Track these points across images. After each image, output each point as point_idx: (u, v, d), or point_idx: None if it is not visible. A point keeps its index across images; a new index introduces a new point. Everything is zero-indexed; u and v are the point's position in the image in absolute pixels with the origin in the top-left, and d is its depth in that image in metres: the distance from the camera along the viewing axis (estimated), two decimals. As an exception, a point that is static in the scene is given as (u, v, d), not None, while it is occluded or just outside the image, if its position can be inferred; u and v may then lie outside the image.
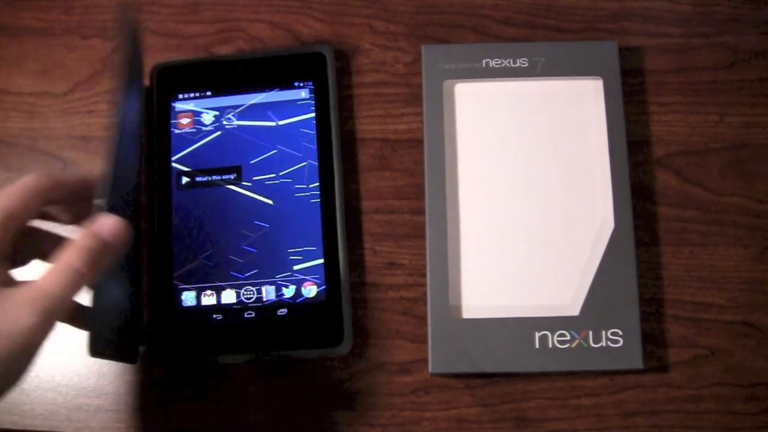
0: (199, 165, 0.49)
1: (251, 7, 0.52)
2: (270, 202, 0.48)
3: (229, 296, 0.47)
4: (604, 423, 0.46)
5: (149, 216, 0.48)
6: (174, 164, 0.49)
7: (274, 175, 0.49)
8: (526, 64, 0.49)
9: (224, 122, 0.50)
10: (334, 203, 0.48)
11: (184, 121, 0.50)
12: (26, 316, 0.33)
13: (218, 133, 0.50)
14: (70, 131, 0.51)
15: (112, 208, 0.37)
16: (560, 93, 0.49)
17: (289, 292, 0.47)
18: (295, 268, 0.47)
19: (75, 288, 0.35)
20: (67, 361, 0.47)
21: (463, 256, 0.47)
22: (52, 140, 0.51)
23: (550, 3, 0.52)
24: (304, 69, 0.50)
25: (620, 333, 0.45)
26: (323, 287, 0.47)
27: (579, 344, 0.45)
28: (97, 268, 0.36)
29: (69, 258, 0.35)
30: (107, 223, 0.36)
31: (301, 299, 0.47)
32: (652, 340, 0.47)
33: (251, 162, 0.49)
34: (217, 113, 0.50)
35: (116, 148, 0.38)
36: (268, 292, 0.47)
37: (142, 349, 0.47)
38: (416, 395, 0.46)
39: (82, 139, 0.51)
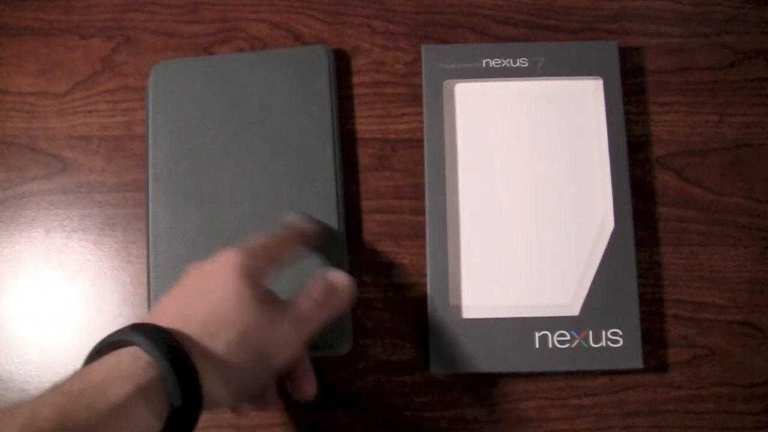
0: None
1: (251, 7, 0.52)
2: (270, 202, 0.48)
3: (229, 296, 0.47)
4: (604, 423, 0.46)
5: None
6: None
7: (274, 175, 0.49)
8: (526, 64, 0.49)
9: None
10: (333, 203, 0.48)
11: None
12: (292, 335, 0.39)
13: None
14: (70, 131, 0.51)
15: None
16: (560, 93, 0.49)
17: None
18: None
19: (320, 322, 0.40)
20: (69, 362, 0.47)
21: (463, 256, 0.47)
22: (52, 140, 0.51)
23: (550, 3, 0.52)
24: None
25: (620, 333, 0.45)
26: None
27: (579, 344, 0.45)
28: (330, 311, 0.41)
29: (315, 295, 0.41)
30: (340, 277, 0.42)
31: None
32: (652, 340, 0.47)
33: (251, 162, 0.49)
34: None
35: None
36: (268, 292, 0.47)
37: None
38: (416, 395, 0.46)
39: (82, 139, 0.51)
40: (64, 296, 0.48)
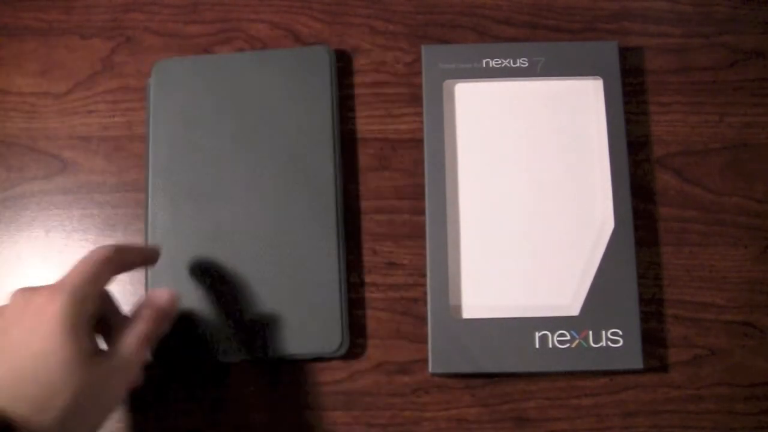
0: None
1: (251, 7, 0.53)
2: (270, 202, 0.48)
3: (229, 296, 0.47)
4: (604, 423, 0.46)
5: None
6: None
7: (274, 175, 0.49)
8: (526, 64, 0.49)
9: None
10: (333, 203, 0.48)
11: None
12: (122, 382, 0.38)
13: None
14: (70, 131, 0.51)
15: None
16: (560, 93, 0.49)
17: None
18: (295, 268, 0.47)
19: (146, 351, 0.40)
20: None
21: (463, 256, 0.47)
22: (52, 140, 0.51)
23: (550, 3, 0.52)
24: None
25: (620, 333, 0.45)
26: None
27: (579, 344, 0.45)
28: (158, 332, 0.41)
29: (142, 327, 0.40)
30: (162, 295, 0.41)
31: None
32: (652, 340, 0.47)
33: (251, 162, 0.49)
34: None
35: None
36: (268, 292, 0.47)
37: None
38: (416, 395, 0.46)
39: (82, 139, 0.51)
40: (64, 296, 0.48)
